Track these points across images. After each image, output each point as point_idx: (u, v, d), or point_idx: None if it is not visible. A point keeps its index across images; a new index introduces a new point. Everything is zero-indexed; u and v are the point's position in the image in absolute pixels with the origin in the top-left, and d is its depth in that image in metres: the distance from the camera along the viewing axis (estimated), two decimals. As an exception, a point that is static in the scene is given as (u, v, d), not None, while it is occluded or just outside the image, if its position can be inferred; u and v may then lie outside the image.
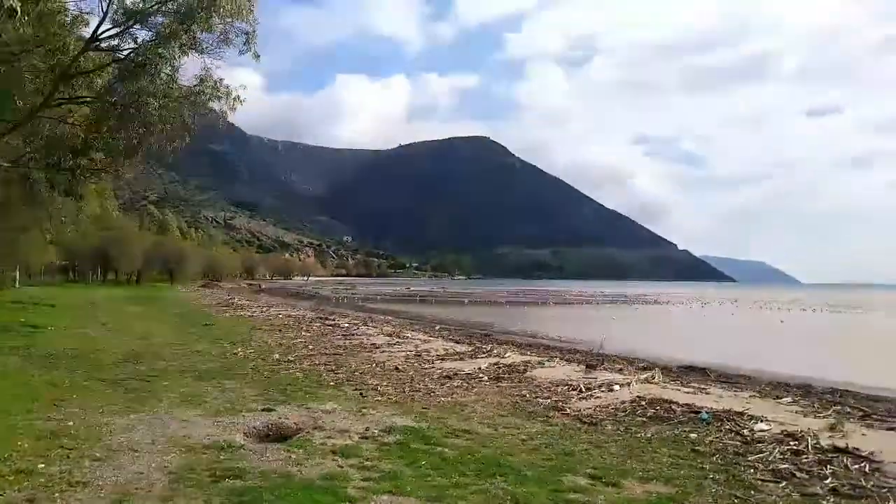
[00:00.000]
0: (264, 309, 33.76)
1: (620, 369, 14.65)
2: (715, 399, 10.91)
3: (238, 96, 14.96)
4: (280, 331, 21.36)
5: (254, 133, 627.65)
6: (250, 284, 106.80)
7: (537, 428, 8.38)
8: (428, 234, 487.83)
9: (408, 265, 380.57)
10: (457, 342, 19.26)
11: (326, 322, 24.73)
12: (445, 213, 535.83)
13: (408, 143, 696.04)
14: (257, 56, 14.28)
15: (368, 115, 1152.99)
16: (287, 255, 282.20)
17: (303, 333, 20.46)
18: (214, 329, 21.35)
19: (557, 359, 15.79)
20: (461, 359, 15.24)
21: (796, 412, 10.06)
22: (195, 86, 14.50)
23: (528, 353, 17.48)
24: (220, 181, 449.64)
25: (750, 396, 11.60)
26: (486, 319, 40.80)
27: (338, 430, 7.79)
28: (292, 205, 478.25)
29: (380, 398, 10.09)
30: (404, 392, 10.68)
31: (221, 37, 13.88)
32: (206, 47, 13.92)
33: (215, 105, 14.91)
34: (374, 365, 13.88)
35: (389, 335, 20.50)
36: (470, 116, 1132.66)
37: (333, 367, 13.29)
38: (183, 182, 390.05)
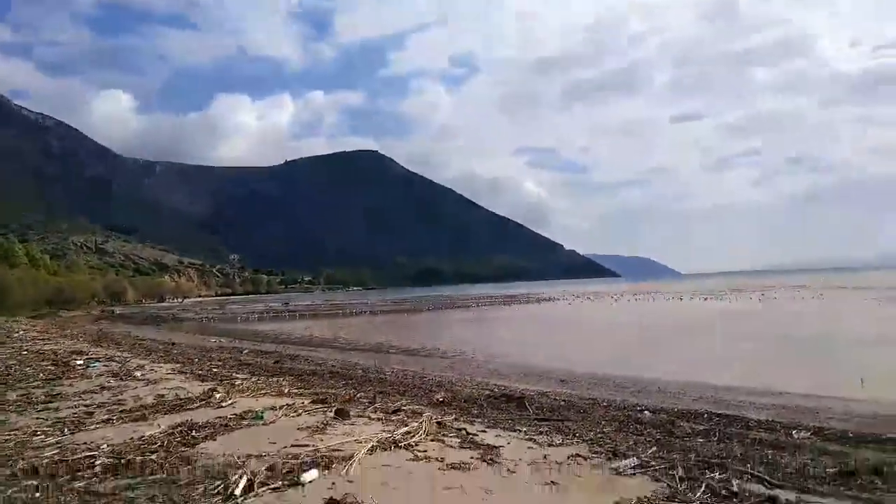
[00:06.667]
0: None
1: (398, 409, 9.33)
2: (495, 479, 5.74)
3: None
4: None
5: (128, 155, 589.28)
6: (103, 311, 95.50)
7: None
8: (321, 247, 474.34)
9: (300, 280, 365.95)
10: (202, 380, 13.36)
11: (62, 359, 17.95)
12: (338, 227, 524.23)
13: (294, 158, 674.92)
14: None
15: (252, 134, 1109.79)
16: (167, 277, 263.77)
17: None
18: None
19: (307, 401, 10.24)
20: (136, 419, 9.43)
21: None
22: None
23: (295, 389, 11.88)
24: (95, 206, 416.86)
25: (569, 458, 6.52)
26: (330, 334, 35.23)
27: None
28: (174, 227, 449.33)
29: None
30: None
31: None
32: None
33: None
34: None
35: (116, 375, 14.33)
36: (357, 133, 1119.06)
37: None
38: (50, 208, 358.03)
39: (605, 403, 10.79)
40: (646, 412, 9.59)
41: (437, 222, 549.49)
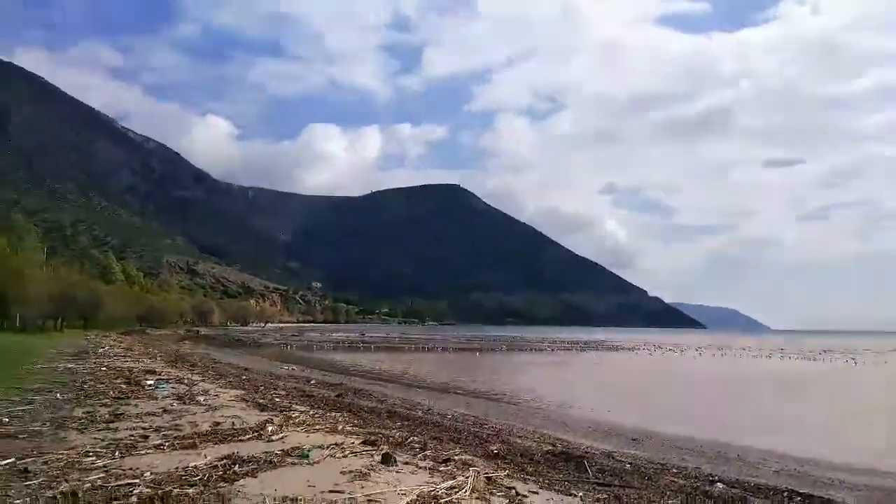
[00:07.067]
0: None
1: (448, 459, 8.88)
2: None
3: None
4: None
5: (223, 179, 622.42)
6: (188, 331, 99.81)
7: None
8: (400, 279, 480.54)
9: (378, 311, 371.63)
10: (262, 409, 13.35)
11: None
12: (418, 258, 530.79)
13: (380, 189, 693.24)
14: None
15: (340, 163, 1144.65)
16: (252, 301, 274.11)
17: None
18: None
19: (357, 441, 9.94)
20: (187, 447, 9.39)
21: None
22: None
23: (349, 427, 11.65)
24: (188, 226, 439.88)
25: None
26: (399, 368, 35.16)
27: None
28: (261, 251, 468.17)
29: None
30: None
31: None
32: None
33: None
34: None
35: (180, 398, 14.59)
36: (440, 166, 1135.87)
37: None
38: (148, 227, 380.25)
39: (674, 470, 9.94)
40: (718, 484, 8.72)
41: (517, 259, 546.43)
